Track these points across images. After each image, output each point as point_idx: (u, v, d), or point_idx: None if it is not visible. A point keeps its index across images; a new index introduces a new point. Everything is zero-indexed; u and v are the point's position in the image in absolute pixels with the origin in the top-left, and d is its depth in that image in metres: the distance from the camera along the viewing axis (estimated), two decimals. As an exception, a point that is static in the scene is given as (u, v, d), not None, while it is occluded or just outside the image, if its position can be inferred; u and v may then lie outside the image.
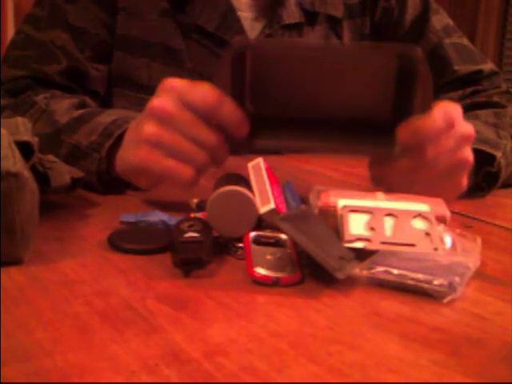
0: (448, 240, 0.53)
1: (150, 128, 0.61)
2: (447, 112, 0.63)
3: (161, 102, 0.62)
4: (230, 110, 0.61)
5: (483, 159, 0.75)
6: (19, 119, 0.60)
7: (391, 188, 0.64)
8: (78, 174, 0.65)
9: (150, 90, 0.94)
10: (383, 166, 0.65)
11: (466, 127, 0.66)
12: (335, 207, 0.56)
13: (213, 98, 0.60)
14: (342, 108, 0.64)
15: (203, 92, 0.61)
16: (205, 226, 0.53)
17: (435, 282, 0.47)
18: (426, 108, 0.61)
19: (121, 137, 0.68)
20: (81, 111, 0.77)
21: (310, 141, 0.64)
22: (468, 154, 0.66)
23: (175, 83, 0.62)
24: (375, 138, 0.63)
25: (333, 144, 0.63)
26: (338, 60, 0.61)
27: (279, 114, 0.64)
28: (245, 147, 0.63)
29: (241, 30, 0.94)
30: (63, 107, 0.78)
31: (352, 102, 0.64)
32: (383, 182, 0.66)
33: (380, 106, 0.63)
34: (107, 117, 0.73)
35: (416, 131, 0.61)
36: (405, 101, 0.62)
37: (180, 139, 0.61)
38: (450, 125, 0.63)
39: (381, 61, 0.61)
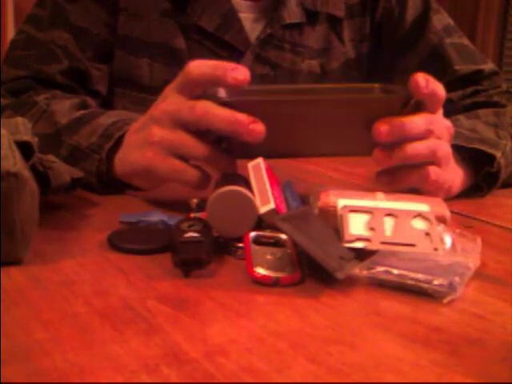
0: (448, 240, 0.53)
1: (157, 130, 0.62)
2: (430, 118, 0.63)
3: (166, 104, 0.62)
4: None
5: (483, 159, 0.75)
6: (19, 119, 0.60)
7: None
8: (78, 174, 0.65)
9: (150, 90, 0.95)
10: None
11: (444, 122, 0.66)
12: (335, 207, 0.56)
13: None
14: (328, 152, 0.69)
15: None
16: (205, 226, 0.53)
17: (435, 282, 0.47)
18: None
19: (121, 139, 0.68)
20: (81, 112, 0.77)
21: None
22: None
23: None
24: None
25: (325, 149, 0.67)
26: (321, 112, 0.63)
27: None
28: (250, 153, 0.63)
29: (241, 30, 0.94)
30: (64, 108, 0.78)
31: (337, 147, 0.67)
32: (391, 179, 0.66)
33: (364, 148, 0.64)
34: (107, 118, 0.73)
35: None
36: None
37: (187, 138, 0.62)
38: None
39: (364, 111, 0.63)
